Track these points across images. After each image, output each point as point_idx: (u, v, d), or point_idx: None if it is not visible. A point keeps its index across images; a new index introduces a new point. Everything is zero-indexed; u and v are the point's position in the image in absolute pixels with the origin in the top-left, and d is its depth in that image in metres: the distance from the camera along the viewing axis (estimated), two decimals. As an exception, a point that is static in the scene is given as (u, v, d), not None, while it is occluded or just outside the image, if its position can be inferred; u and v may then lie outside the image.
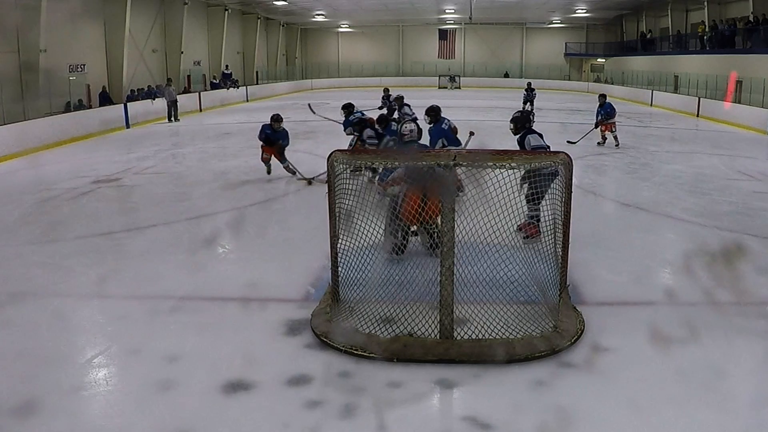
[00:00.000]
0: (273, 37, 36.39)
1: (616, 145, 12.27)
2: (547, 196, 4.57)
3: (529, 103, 19.23)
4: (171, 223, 6.90)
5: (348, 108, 9.63)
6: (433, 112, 7.59)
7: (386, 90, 15.26)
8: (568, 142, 12.48)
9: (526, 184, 4.79)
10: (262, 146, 9.00)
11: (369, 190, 4.81)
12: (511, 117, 6.18)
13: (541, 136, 6.01)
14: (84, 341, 4.10)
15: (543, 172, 4.57)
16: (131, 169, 10.06)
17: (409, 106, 11.64)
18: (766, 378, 3.52)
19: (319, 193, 7.10)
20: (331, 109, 15.56)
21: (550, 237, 4.31)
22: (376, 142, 7.84)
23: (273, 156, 9.00)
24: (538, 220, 5.23)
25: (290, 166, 9.01)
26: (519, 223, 5.18)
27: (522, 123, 6.06)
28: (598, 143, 12.47)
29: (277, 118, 8.94)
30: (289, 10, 32.18)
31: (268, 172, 9.13)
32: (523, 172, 4.85)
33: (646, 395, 3.28)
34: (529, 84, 20.22)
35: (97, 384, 3.53)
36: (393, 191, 5.06)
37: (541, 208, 4.83)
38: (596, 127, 12.50)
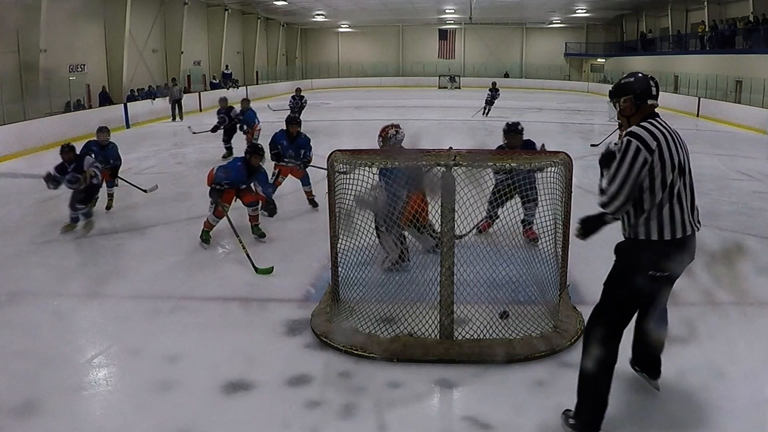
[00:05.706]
0: (273, 37, 36.40)
1: None
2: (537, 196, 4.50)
3: (488, 104, 19.09)
4: (171, 223, 6.91)
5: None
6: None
7: (298, 90, 15.94)
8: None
9: (505, 179, 4.71)
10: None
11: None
12: (520, 136, 5.92)
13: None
14: (84, 341, 4.10)
15: (534, 173, 4.53)
16: (131, 169, 10.04)
17: (253, 111, 11.13)
18: (766, 378, 3.51)
19: (319, 194, 7.10)
20: (331, 110, 15.63)
21: (550, 237, 4.30)
22: (99, 166, 6.60)
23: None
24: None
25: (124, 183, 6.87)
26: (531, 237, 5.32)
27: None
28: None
29: (100, 129, 7.30)
30: (289, 10, 32.19)
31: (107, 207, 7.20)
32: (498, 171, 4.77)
33: (646, 395, 3.28)
34: (494, 84, 20.09)
35: (97, 384, 3.53)
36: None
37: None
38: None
